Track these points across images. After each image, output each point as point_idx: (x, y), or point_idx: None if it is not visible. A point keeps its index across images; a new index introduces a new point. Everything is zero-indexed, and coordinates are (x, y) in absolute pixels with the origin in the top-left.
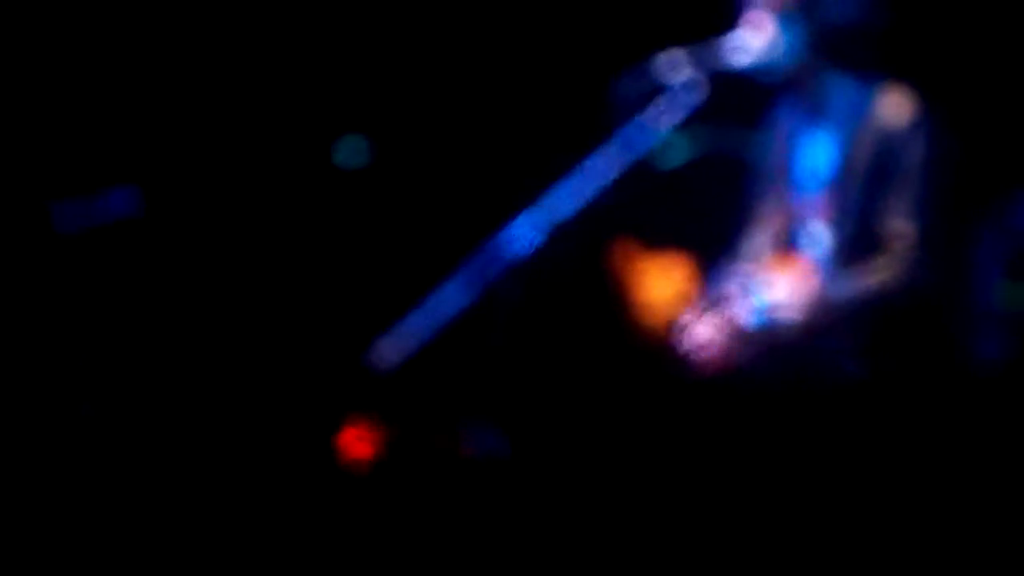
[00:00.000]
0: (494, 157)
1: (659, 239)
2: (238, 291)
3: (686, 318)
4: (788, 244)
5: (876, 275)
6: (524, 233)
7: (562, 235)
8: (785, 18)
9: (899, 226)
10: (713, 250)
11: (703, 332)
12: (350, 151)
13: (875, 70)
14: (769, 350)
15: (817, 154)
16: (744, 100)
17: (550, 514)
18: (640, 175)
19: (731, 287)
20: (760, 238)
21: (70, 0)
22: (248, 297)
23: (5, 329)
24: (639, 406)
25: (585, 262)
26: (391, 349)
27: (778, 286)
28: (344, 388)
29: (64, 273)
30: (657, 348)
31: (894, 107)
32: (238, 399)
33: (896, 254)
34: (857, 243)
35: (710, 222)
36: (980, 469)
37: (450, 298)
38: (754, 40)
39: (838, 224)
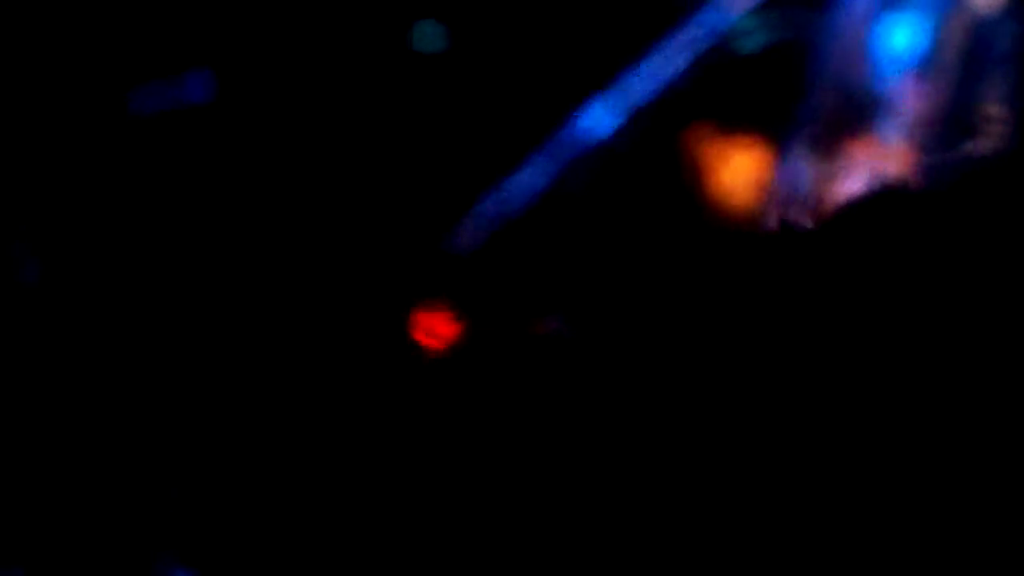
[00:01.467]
0: (568, 41)
1: (737, 125)
2: (318, 165)
3: (765, 206)
4: (863, 136)
5: (973, 154)
6: (600, 117)
7: (638, 119)
8: None
9: (992, 111)
10: (787, 136)
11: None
12: (428, 35)
13: None
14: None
15: (902, 37)
16: None
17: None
18: (716, 59)
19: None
20: (834, 127)
21: None
22: (326, 173)
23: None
24: (716, 299)
25: (661, 148)
26: (467, 233)
27: (861, 172)
28: (422, 271)
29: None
30: (736, 234)
31: None
32: (316, 284)
33: (990, 139)
34: (949, 132)
35: (788, 109)
36: None
37: (526, 182)
38: None
39: (926, 113)
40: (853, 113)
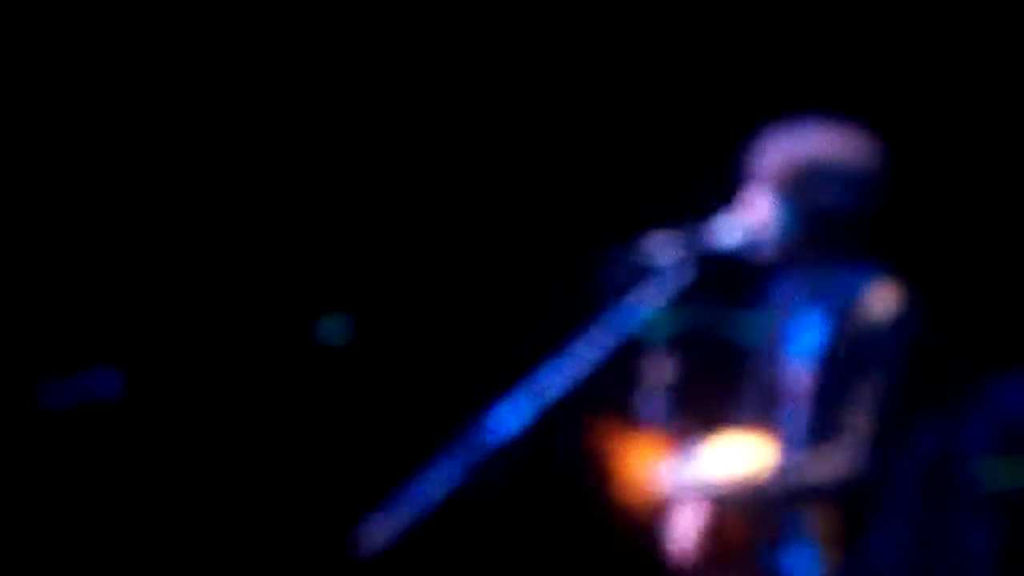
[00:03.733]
0: (480, 338)
1: (657, 423)
2: (224, 470)
3: (664, 494)
4: (769, 421)
5: (823, 463)
6: (510, 414)
7: (548, 415)
8: (777, 200)
9: (855, 420)
10: (698, 424)
11: (682, 506)
12: (332, 329)
13: (864, 257)
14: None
15: (804, 335)
16: (734, 280)
17: None
18: (626, 354)
19: (708, 456)
20: (742, 412)
21: None
22: (234, 476)
23: None
24: None
25: (570, 442)
26: (378, 531)
27: (730, 457)
28: (331, 571)
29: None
30: (637, 524)
31: (879, 297)
32: None
33: (843, 446)
34: (824, 429)
35: (695, 397)
36: None
37: (437, 480)
38: (745, 220)
39: (812, 408)
40: (762, 402)
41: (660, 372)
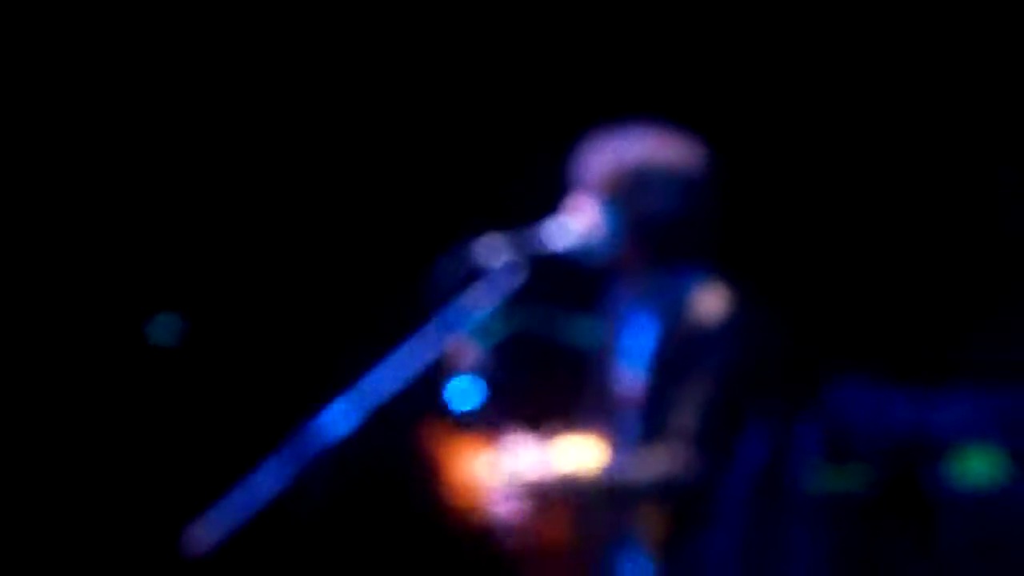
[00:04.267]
0: (312, 340)
1: (475, 419)
2: (54, 468)
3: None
4: (604, 426)
5: (649, 464)
6: (340, 416)
7: (377, 416)
8: (604, 205)
9: (682, 421)
10: (527, 426)
11: (505, 505)
12: (163, 329)
13: (694, 262)
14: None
15: (636, 340)
16: (564, 284)
17: None
18: (457, 355)
19: (532, 455)
20: (571, 413)
21: None
22: (63, 475)
23: None
24: None
25: (400, 443)
26: (208, 530)
27: (572, 456)
28: (160, 570)
29: None
30: (465, 523)
31: (709, 301)
32: None
33: (672, 449)
34: (655, 431)
35: (524, 401)
36: None
37: (267, 479)
38: (573, 224)
39: (644, 411)
40: (598, 407)
41: (467, 360)
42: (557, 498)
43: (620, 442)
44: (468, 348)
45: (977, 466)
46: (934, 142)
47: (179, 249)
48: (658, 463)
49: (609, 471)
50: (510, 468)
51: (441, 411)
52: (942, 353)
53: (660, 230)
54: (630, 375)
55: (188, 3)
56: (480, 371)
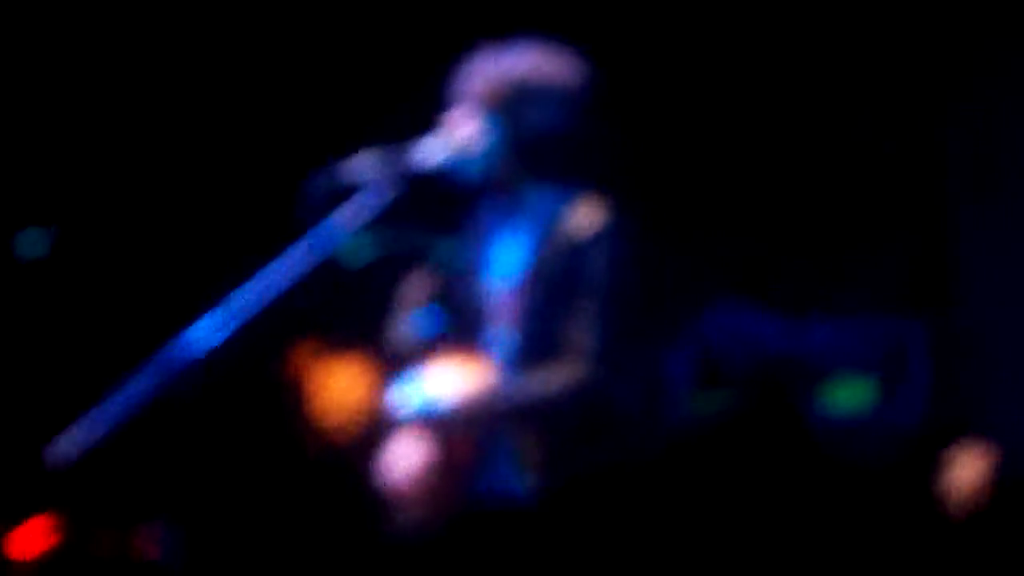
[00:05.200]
0: (182, 255)
1: (344, 339)
2: None
3: (363, 417)
4: (473, 341)
5: (549, 381)
6: (208, 331)
7: (246, 333)
8: (485, 120)
9: (576, 337)
10: (395, 348)
11: (375, 427)
12: (30, 242)
13: (571, 178)
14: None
15: (508, 256)
16: (437, 200)
17: None
18: (326, 274)
19: (401, 382)
20: (442, 333)
21: None
22: None
23: None
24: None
25: (268, 361)
26: (70, 444)
27: (449, 380)
28: (22, 483)
29: None
30: (336, 447)
31: (585, 217)
32: None
33: (570, 364)
34: (538, 348)
35: (393, 321)
36: None
37: (132, 393)
38: (452, 140)
39: (522, 327)
40: (464, 322)
41: (419, 291)
42: (462, 422)
43: (496, 359)
44: (424, 279)
45: (846, 392)
46: (809, 69)
47: (51, 163)
48: (559, 378)
49: (511, 389)
50: (412, 393)
51: (314, 330)
52: (813, 282)
53: (540, 144)
54: (500, 292)
55: None
56: (437, 300)
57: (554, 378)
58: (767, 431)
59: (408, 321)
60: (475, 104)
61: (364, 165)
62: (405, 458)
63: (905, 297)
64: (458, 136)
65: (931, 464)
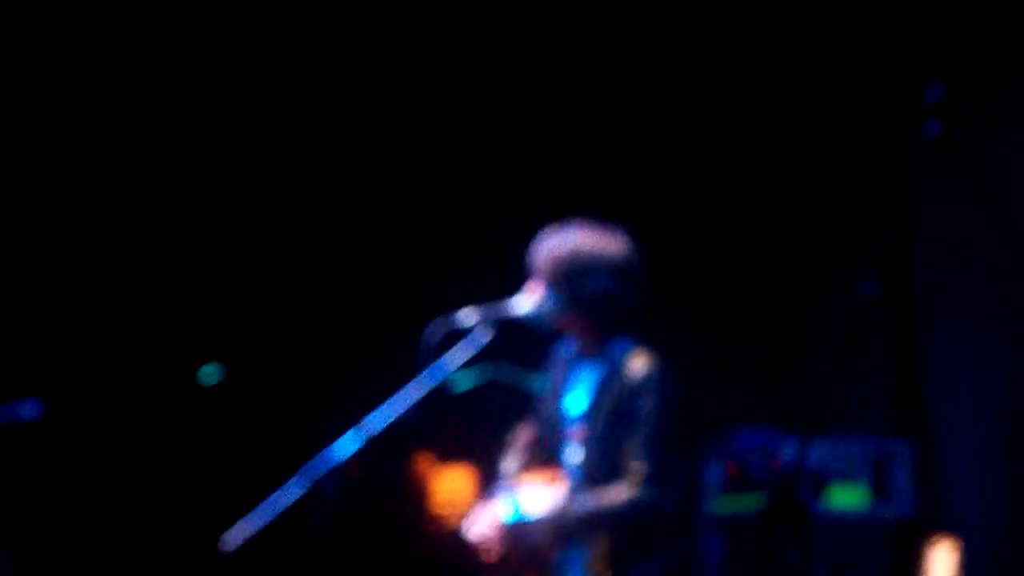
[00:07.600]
0: (329, 385)
1: (453, 452)
2: (123, 487)
3: (469, 515)
4: (553, 460)
5: (610, 497)
6: (346, 444)
7: (376, 446)
8: (548, 286)
9: (631, 460)
10: (494, 460)
11: (479, 527)
12: (208, 374)
13: (625, 331)
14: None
15: (579, 391)
16: (522, 344)
17: None
18: (439, 400)
19: (499, 491)
20: (529, 453)
21: None
22: (131, 492)
23: None
24: None
25: (393, 468)
26: (240, 531)
27: (538, 496)
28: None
29: None
30: (447, 538)
31: (638, 362)
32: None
33: (628, 485)
34: (600, 468)
35: (493, 439)
36: None
37: (287, 493)
38: (528, 300)
39: (588, 450)
40: (546, 447)
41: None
42: (545, 533)
43: (566, 474)
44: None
45: (844, 495)
46: (816, 239)
47: (224, 311)
48: (618, 494)
49: (578, 502)
50: (516, 507)
51: (429, 444)
52: (816, 409)
53: (588, 304)
54: (572, 419)
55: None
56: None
57: (613, 494)
58: (782, 525)
59: (512, 454)
60: (539, 274)
61: (469, 316)
62: (499, 554)
63: (889, 419)
64: (531, 298)
65: (911, 553)
